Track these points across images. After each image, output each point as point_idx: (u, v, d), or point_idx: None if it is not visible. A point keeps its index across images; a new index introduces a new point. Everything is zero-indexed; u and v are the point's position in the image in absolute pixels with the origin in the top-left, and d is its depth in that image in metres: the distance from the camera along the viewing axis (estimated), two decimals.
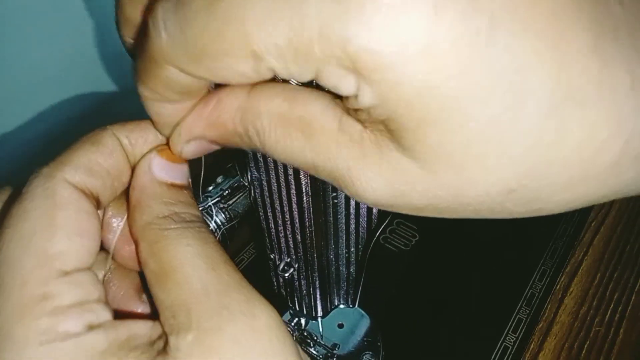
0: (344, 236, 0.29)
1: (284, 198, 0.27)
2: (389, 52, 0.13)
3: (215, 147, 0.21)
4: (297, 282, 0.31)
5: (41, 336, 0.17)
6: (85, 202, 0.19)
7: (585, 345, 0.41)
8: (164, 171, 0.21)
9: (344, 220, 0.28)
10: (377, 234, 0.27)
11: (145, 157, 0.21)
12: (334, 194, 0.27)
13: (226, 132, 0.19)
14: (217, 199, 0.30)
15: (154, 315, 0.19)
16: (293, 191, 0.26)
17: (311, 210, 0.27)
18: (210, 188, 0.31)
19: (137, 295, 0.22)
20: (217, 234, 0.29)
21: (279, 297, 0.33)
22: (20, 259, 0.18)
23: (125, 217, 0.22)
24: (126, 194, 0.22)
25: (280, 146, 0.17)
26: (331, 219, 0.28)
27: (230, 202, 0.31)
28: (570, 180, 0.15)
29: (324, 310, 0.33)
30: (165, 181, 0.21)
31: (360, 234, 0.29)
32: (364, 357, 0.40)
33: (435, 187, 0.16)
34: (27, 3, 0.46)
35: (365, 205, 0.27)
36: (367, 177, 0.16)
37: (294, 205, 0.27)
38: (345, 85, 0.15)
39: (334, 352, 0.40)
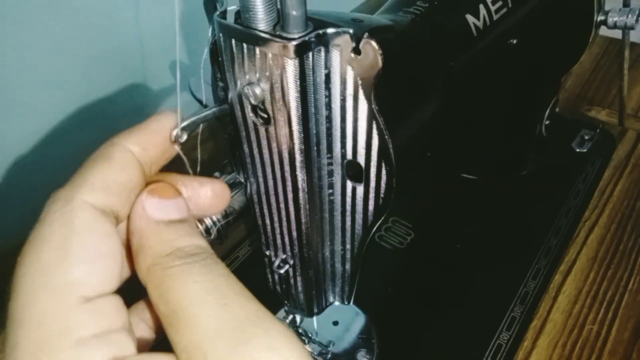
0: (340, 233, 0.29)
1: (280, 195, 0.27)
2: None
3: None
4: (292, 279, 0.32)
5: None
6: (103, 224, 0.19)
7: (579, 343, 0.42)
8: (159, 210, 0.21)
9: (339, 217, 0.29)
10: (373, 231, 0.27)
11: (138, 200, 0.21)
12: (330, 191, 0.27)
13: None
14: None
15: None
16: (289, 188, 0.26)
17: (307, 207, 0.27)
18: None
19: None
20: (213, 230, 0.29)
21: (274, 293, 0.33)
22: (37, 292, 0.17)
23: None
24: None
25: None
26: (327, 215, 0.28)
27: None
28: None
29: (319, 307, 0.33)
30: (162, 220, 0.21)
31: (356, 231, 0.29)
32: (359, 354, 0.40)
33: None
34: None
35: (362, 202, 0.27)
36: None
37: (290, 202, 0.27)
38: None
39: (329, 349, 0.40)
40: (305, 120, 0.23)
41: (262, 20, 0.21)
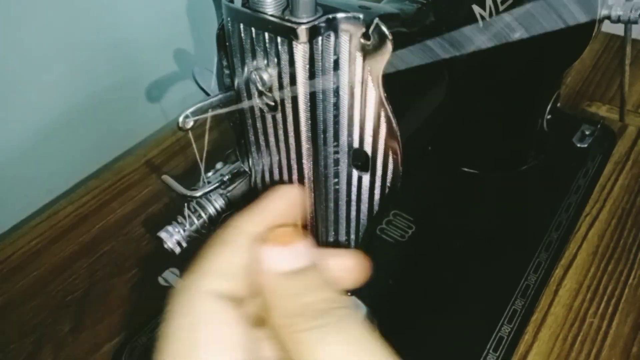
0: (345, 223, 0.29)
1: (285, 183, 0.27)
2: None
3: None
4: None
5: None
6: (227, 313, 0.19)
7: (579, 337, 0.42)
8: (279, 260, 0.20)
9: (344, 207, 0.28)
10: (378, 222, 0.27)
11: (258, 254, 0.20)
12: (336, 180, 0.27)
13: None
14: (217, 185, 0.30)
15: None
16: (294, 176, 0.26)
17: (312, 196, 0.27)
18: (210, 174, 0.31)
19: None
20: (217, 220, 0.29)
21: None
22: None
23: None
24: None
25: None
26: (332, 205, 0.28)
27: (230, 188, 0.30)
28: None
29: None
30: (284, 271, 0.20)
31: (361, 221, 0.28)
32: None
33: None
34: None
35: (367, 192, 0.27)
36: None
37: None
38: None
39: None
40: (313, 107, 0.23)
41: (271, 5, 0.21)
